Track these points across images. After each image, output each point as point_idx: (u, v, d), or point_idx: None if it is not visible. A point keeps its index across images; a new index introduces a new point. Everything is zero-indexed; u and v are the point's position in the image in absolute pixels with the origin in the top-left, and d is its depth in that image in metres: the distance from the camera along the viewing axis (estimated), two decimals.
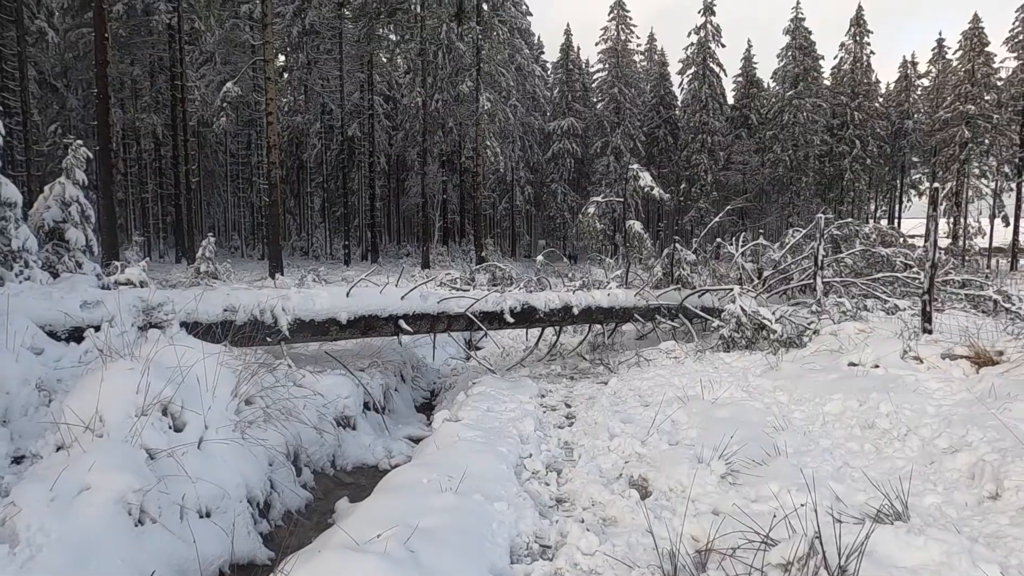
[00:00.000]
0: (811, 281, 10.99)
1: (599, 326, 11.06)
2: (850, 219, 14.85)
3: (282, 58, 40.71)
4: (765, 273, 11.99)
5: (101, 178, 18.21)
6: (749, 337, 9.29)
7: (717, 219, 12.29)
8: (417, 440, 6.89)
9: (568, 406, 7.85)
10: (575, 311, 10.19)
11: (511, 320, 9.30)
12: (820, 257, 10.68)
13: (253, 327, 7.36)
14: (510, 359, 10.80)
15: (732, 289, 10.56)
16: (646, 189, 9.96)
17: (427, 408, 9.12)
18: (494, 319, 9.24)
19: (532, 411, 7.08)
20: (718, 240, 14.01)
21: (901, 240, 14.51)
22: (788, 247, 12.75)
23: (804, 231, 13.53)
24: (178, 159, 30.30)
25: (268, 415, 5.57)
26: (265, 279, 23.71)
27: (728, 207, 19.64)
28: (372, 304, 8.05)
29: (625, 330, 12.24)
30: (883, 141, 49.28)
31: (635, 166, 10.18)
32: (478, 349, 11.61)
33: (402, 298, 8.24)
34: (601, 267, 19.55)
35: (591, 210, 10.56)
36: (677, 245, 11.72)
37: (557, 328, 10.56)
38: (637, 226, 10.87)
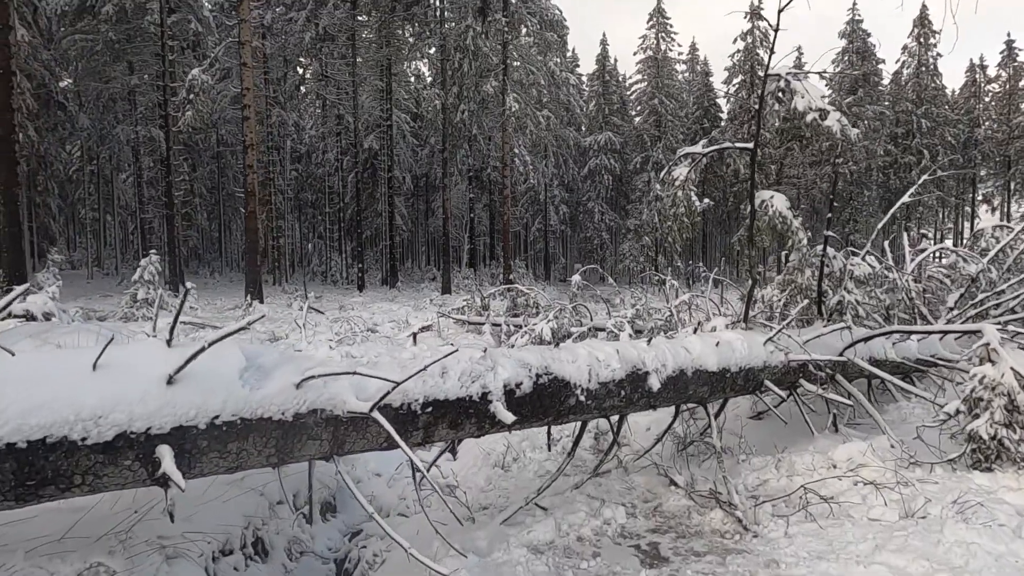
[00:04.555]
0: None
1: (696, 403, 5.25)
2: None
3: (299, 70, 36.08)
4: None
5: (3, 180, 13.12)
6: None
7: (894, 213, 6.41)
8: None
9: None
10: (653, 383, 4.42)
11: (507, 417, 3.57)
12: None
13: None
14: (510, 484, 5.05)
15: (979, 329, 4.71)
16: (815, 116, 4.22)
17: None
18: (464, 419, 3.55)
19: None
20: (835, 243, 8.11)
21: None
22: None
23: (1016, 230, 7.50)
24: (169, 170, 25.46)
25: None
26: (238, 306, 18.43)
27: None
28: (50, 413, 2.43)
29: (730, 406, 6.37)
30: (953, 151, 42.36)
31: (785, 71, 4.53)
32: (453, 453, 5.60)
33: (169, 382, 2.59)
34: (662, 291, 13.69)
35: (681, 172, 4.85)
36: (829, 248, 5.86)
37: (615, 421, 4.78)
38: (780, 202, 5.06)
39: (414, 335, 12.98)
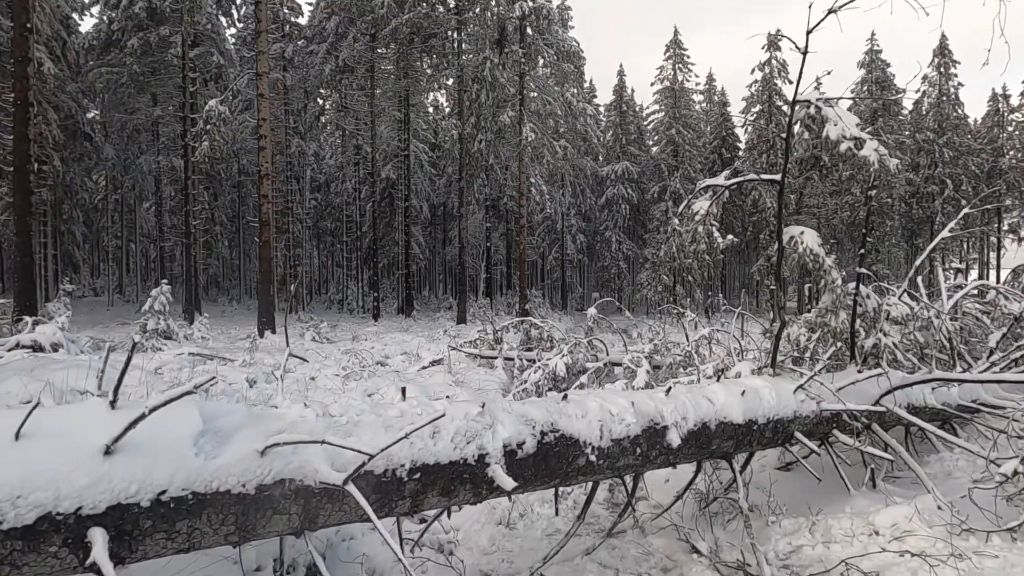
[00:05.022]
0: None
1: (720, 458, 4.76)
2: None
3: (320, 101, 36.41)
4: None
5: (16, 209, 13.04)
6: None
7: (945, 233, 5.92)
8: None
9: None
10: (673, 439, 3.96)
11: (507, 483, 3.14)
12: None
13: None
14: (515, 546, 4.56)
15: None
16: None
17: None
18: (458, 484, 3.12)
19: None
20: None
21: None
22: None
23: None
24: (187, 199, 25.54)
25: None
26: (251, 336, 18.17)
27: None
28: None
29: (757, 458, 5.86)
30: (977, 180, 41.52)
31: (815, 98, 4.12)
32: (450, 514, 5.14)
33: (107, 452, 2.20)
34: (680, 323, 13.17)
35: (702, 206, 4.40)
36: (862, 286, 5.38)
37: (629, 481, 4.31)
38: (811, 238, 4.60)
39: (424, 368, 12.59)
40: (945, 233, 6.13)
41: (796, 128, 4.32)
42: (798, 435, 4.86)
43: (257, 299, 34.62)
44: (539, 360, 11.74)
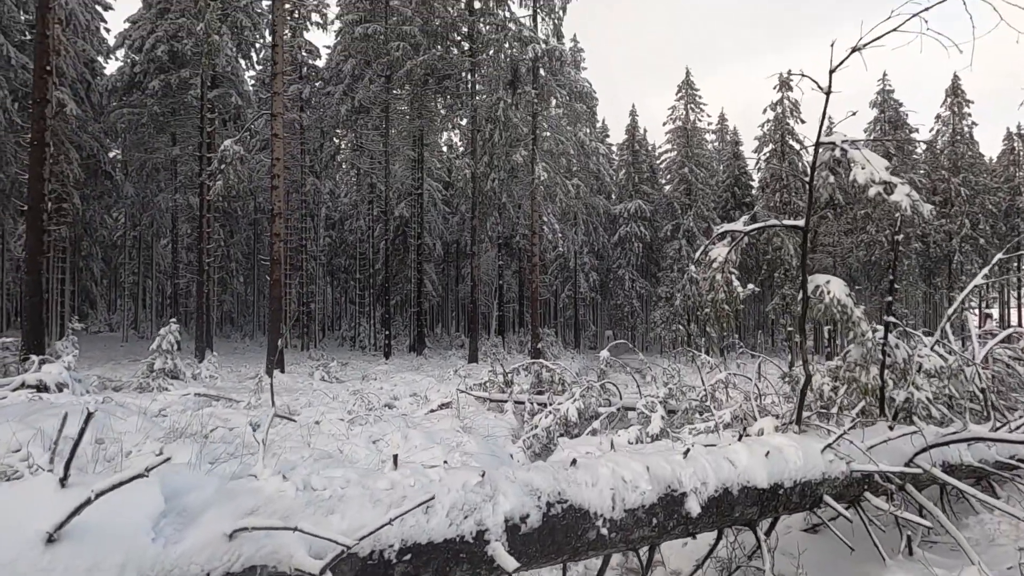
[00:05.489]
0: None
1: (743, 525, 4.39)
2: None
3: (336, 141, 36.82)
4: None
5: (28, 248, 13.02)
6: None
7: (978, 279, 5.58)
8: None
9: None
10: (692, 507, 3.62)
11: (509, 564, 2.82)
12: None
13: None
14: None
15: None
16: (906, 207, 3.50)
17: None
18: (454, 565, 2.80)
19: None
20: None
21: None
22: None
23: None
24: (202, 237, 25.65)
25: None
26: (258, 376, 17.93)
27: None
28: None
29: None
30: (995, 219, 40.99)
31: (840, 139, 3.88)
32: None
33: (50, 540, 1.92)
34: (695, 363, 12.77)
35: (720, 253, 4.11)
36: (890, 335, 5.03)
37: (644, 553, 3.94)
38: (838, 288, 4.28)
39: (432, 411, 12.25)
40: (979, 280, 5.80)
41: (820, 170, 4.06)
42: (827, 499, 4.49)
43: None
44: (550, 404, 11.37)
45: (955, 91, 41.65)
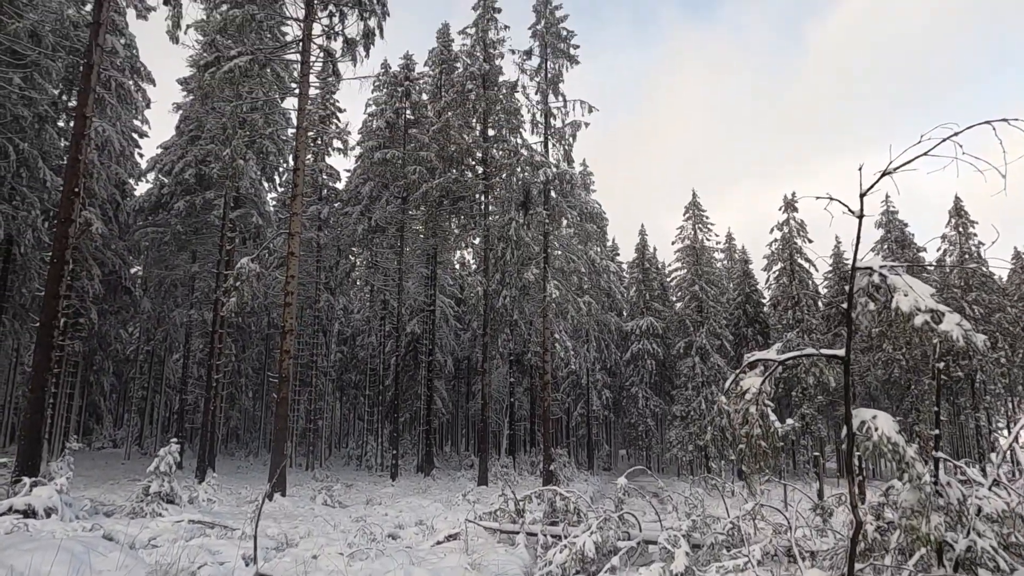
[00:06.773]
0: None
1: None
2: None
3: (351, 258, 37.52)
4: None
5: (35, 364, 12.82)
6: None
7: None
8: None
9: None
10: None
11: None
12: None
13: None
14: None
15: None
16: (957, 340, 3.21)
17: None
18: None
19: None
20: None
21: None
22: None
23: None
24: (212, 353, 25.49)
25: None
26: (258, 501, 17.05)
27: None
28: None
29: None
30: (1013, 337, 40.29)
31: (878, 264, 3.58)
32: None
33: None
34: (716, 488, 11.99)
35: (753, 383, 3.75)
36: (942, 473, 4.53)
37: None
38: (886, 424, 3.87)
39: (439, 543, 11.41)
40: None
41: (859, 298, 3.79)
42: None
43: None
44: (565, 536, 10.56)
45: (958, 212, 42.34)
